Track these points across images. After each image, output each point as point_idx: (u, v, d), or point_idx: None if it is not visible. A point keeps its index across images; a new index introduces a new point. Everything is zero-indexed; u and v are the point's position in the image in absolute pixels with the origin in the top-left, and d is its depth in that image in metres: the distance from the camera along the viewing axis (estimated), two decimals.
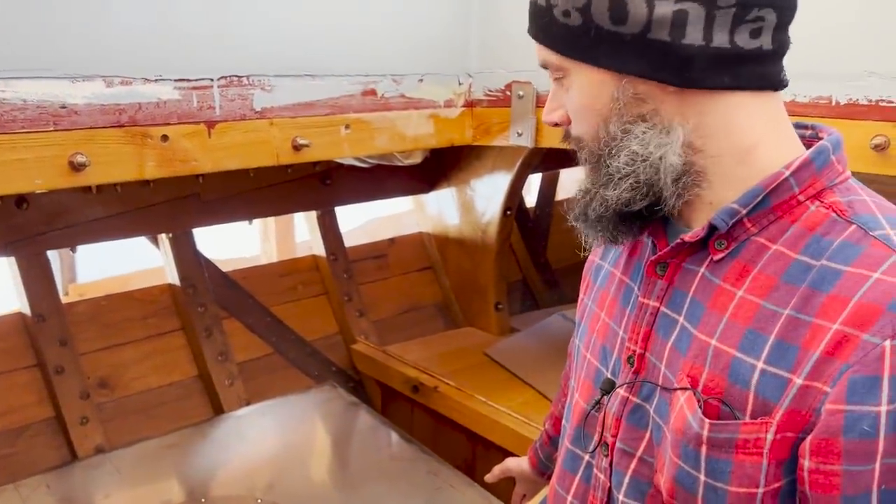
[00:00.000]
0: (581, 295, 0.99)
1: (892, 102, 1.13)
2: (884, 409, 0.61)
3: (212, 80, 1.18)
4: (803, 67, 1.16)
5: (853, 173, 0.76)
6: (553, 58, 0.76)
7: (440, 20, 1.50)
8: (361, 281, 2.23)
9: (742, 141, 0.72)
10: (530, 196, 2.78)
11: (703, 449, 0.70)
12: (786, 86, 0.75)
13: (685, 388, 0.72)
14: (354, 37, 1.36)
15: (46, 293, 1.75)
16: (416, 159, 1.68)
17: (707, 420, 0.70)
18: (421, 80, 1.49)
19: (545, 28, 0.75)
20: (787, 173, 0.70)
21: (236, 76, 1.21)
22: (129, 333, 1.88)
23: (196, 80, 1.16)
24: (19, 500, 1.56)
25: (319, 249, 2.18)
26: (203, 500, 1.60)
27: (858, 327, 0.63)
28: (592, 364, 0.88)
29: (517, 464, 1.35)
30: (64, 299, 1.83)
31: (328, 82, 1.33)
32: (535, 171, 2.58)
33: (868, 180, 0.80)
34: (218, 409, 1.93)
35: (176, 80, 1.14)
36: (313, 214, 2.19)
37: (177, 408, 1.89)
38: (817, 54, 1.17)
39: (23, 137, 1.00)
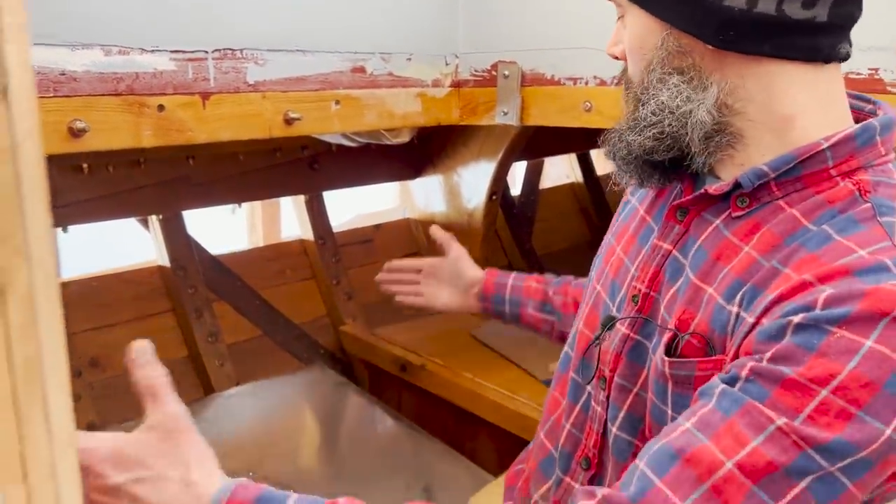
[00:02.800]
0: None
1: (860, 75, 1.18)
2: (795, 320, 0.64)
3: (206, 52, 1.21)
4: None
5: None
6: None
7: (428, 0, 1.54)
8: (349, 265, 2.26)
9: (781, 110, 0.72)
10: (516, 186, 2.83)
11: (670, 385, 0.75)
12: (843, 59, 0.73)
13: (671, 329, 0.76)
14: (344, 14, 1.39)
15: None
16: (404, 138, 1.72)
17: (667, 358, 0.74)
18: (409, 59, 1.53)
19: None
20: (826, 145, 0.71)
21: (230, 49, 1.24)
22: (119, 314, 1.90)
23: (191, 51, 1.19)
24: None
25: (307, 234, 2.21)
26: None
27: (819, 280, 0.65)
28: (601, 296, 0.91)
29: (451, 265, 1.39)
30: None
31: (319, 58, 1.37)
32: (520, 159, 2.63)
33: None
34: (208, 389, 1.96)
35: (172, 52, 1.17)
36: (301, 201, 2.22)
37: None
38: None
39: None
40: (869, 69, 1.16)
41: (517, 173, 2.90)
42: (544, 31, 1.51)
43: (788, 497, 0.61)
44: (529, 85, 1.55)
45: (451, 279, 1.49)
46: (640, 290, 0.83)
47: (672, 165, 0.80)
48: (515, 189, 2.77)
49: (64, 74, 1.06)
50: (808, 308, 0.63)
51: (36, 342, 0.22)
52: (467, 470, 1.64)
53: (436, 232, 1.54)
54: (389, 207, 2.67)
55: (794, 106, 0.73)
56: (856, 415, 0.59)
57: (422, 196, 2.38)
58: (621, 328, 0.84)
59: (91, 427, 1.76)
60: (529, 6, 1.52)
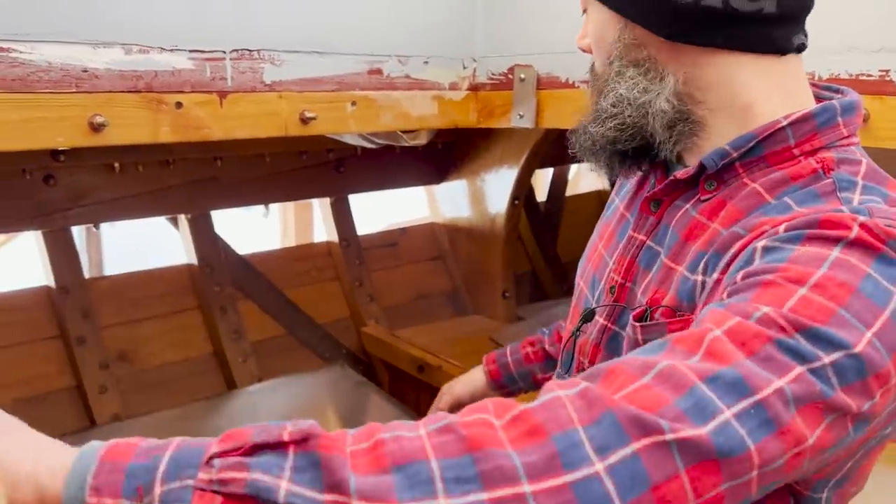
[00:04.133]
0: None
1: (871, 76, 1.17)
2: (761, 245, 0.65)
3: (224, 52, 1.26)
4: None
5: None
6: None
7: (446, 4, 1.57)
8: (373, 268, 2.29)
9: (741, 99, 0.74)
10: (543, 193, 2.83)
11: None
12: (798, 50, 0.74)
13: (641, 307, 0.77)
14: (362, 17, 1.43)
15: (70, 267, 1.84)
16: (422, 140, 1.74)
17: (637, 324, 0.75)
18: (426, 63, 1.56)
19: None
20: (785, 123, 0.72)
21: (248, 50, 1.29)
22: (148, 309, 1.96)
23: (209, 51, 1.24)
24: None
25: (332, 236, 2.25)
26: None
27: (772, 226, 0.67)
28: (584, 292, 0.93)
29: (467, 386, 1.29)
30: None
31: (335, 60, 1.41)
32: (545, 165, 2.64)
33: None
34: (231, 385, 2.00)
35: (190, 51, 1.22)
36: (327, 204, 2.27)
37: (191, 382, 1.96)
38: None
39: (47, 97, 1.08)
40: (879, 71, 1.15)
41: (544, 180, 2.90)
42: (560, 35, 1.52)
43: (789, 376, 0.56)
44: (545, 88, 1.56)
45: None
46: (616, 281, 0.84)
47: (638, 154, 0.81)
48: (541, 196, 2.78)
49: (86, 71, 1.11)
50: (770, 237, 0.65)
51: None
52: None
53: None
54: (419, 217, 2.68)
55: (752, 96, 0.74)
56: (837, 311, 0.58)
57: (446, 200, 2.41)
58: (599, 319, 0.85)
59: (116, 418, 1.81)
60: (546, 11, 1.54)
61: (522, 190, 2.20)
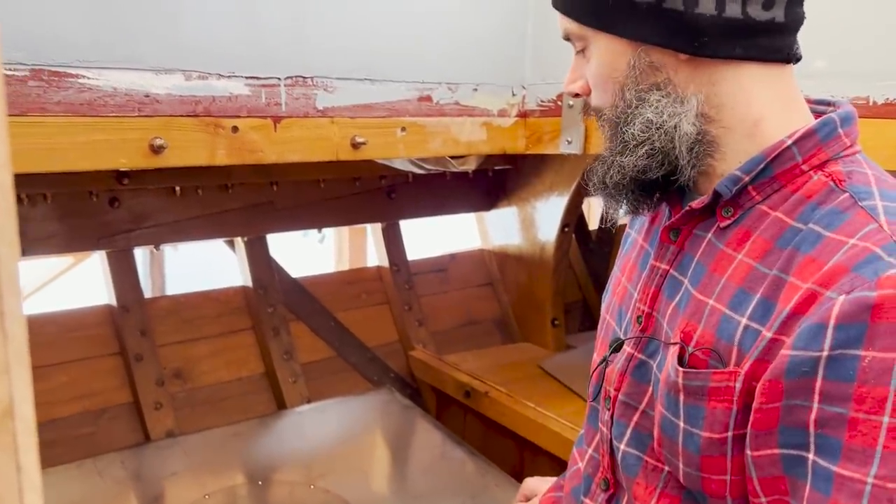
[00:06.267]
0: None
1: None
2: (824, 354, 0.64)
3: (279, 79, 1.31)
4: (841, 66, 1.20)
5: (891, 173, 0.77)
6: (573, 27, 0.81)
7: (496, 33, 1.60)
8: (422, 293, 2.31)
9: (750, 113, 0.75)
10: (594, 221, 2.82)
11: (681, 397, 0.75)
12: (798, 59, 0.77)
13: (676, 343, 0.76)
14: (413, 45, 1.47)
15: (131, 287, 1.91)
16: (471, 166, 1.77)
17: (681, 368, 0.74)
18: (475, 90, 1.58)
19: None
20: (789, 142, 0.73)
21: (302, 77, 1.33)
22: (203, 329, 2.02)
23: (265, 78, 1.29)
24: (96, 473, 1.70)
25: (383, 260, 2.28)
26: (260, 482, 1.69)
27: (824, 286, 0.66)
28: (610, 325, 0.93)
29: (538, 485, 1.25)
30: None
31: (387, 87, 1.44)
32: None
33: None
34: (281, 405, 2.04)
35: (247, 78, 1.27)
36: (379, 228, 2.30)
37: (243, 401, 2.01)
38: (854, 53, 1.20)
39: (111, 121, 1.14)
40: None
41: (595, 208, 2.89)
42: None
43: None
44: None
45: None
46: (642, 311, 0.84)
47: (664, 183, 0.80)
48: (593, 224, 2.77)
49: (148, 96, 1.17)
50: (824, 324, 0.64)
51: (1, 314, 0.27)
52: None
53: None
54: (471, 247, 2.69)
55: (761, 108, 0.75)
56: None
57: (496, 227, 2.42)
58: (627, 348, 0.86)
59: (169, 435, 1.86)
60: None
61: (572, 217, 2.19)
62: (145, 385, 1.88)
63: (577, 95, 0.87)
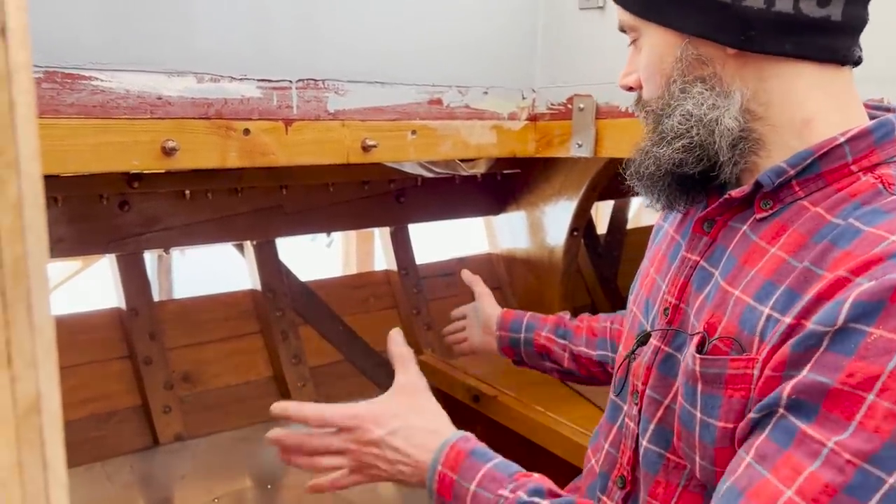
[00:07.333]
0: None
1: None
2: (835, 328, 0.62)
3: (291, 81, 1.31)
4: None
5: None
6: (627, 18, 0.81)
7: (506, 36, 1.60)
8: (430, 297, 2.31)
9: (800, 113, 0.73)
10: (603, 225, 2.82)
11: (699, 385, 0.73)
12: (857, 62, 0.74)
13: (699, 333, 0.76)
14: (423, 48, 1.47)
15: (140, 290, 1.91)
16: (480, 169, 1.76)
17: (698, 356, 0.73)
18: (486, 93, 1.58)
19: None
20: (842, 140, 0.71)
21: (313, 80, 1.33)
22: (212, 333, 2.01)
23: (277, 81, 1.29)
24: (105, 476, 1.70)
25: (391, 264, 2.28)
26: (269, 486, 1.69)
27: (854, 273, 0.64)
28: (637, 317, 0.91)
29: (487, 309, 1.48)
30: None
31: (397, 90, 1.44)
32: (604, 198, 2.62)
33: None
34: None
35: (259, 80, 1.27)
36: (387, 233, 2.30)
37: (251, 405, 2.00)
38: None
39: (124, 122, 1.14)
40: None
41: (604, 213, 2.89)
42: (620, 64, 1.52)
43: None
44: (604, 117, 1.56)
45: (480, 319, 1.54)
46: (670, 303, 0.82)
47: (701, 180, 0.79)
48: (602, 228, 2.76)
49: (160, 98, 1.17)
50: (843, 301, 0.63)
51: (23, 243, 0.27)
52: None
53: (465, 275, 1.64)
54: (479, 251, 2.69)
55: (813, 108, 0.73)
56: None
57: (505, 231, 2.41)
58: (654, 341, 0.84)
59: (178, 438, 1.86)
60: (605, 40, 1.55)
61: (581, 222, 2.19)
62: (154, 388, 1.88)
63: (630, 89, 0.86)
